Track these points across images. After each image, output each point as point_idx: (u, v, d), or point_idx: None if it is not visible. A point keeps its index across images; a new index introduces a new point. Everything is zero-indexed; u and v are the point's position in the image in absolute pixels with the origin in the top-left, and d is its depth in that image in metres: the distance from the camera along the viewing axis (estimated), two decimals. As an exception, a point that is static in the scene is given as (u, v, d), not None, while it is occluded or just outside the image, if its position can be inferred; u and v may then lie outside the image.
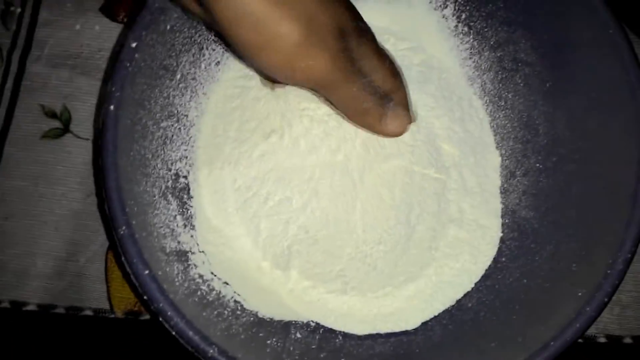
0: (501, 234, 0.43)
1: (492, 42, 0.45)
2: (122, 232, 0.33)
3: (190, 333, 0.32)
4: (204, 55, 0.43)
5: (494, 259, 0.43)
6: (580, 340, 0.45)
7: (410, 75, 0.45)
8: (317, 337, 0.40)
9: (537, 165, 0.43)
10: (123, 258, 0.33)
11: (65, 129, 0.48)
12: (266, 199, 0.41)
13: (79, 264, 0.46)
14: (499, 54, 0.45)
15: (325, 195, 0.41)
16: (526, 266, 0.40)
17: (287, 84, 0.41)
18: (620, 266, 0.33)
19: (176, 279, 0.36)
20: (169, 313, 0.32)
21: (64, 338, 0.45)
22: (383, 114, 0.38)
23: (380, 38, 0.46)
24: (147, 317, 0.45)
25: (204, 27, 0.42)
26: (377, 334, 0.41)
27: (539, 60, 0.42)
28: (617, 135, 0.37)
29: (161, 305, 0.33)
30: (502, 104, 0.46)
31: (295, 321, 0.40)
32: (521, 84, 0.44)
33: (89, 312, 0.45)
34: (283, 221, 0.41)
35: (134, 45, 0.36)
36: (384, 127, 0.39)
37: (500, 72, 0.45)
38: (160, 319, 0.33)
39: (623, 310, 0.46)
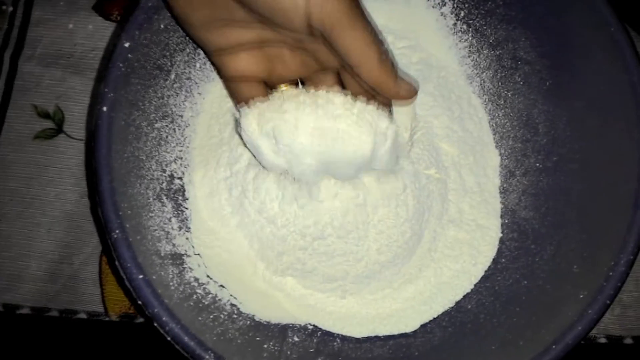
0: (501, 235, 0.43)
1: (491, 40, 0.44)
2: (115, 236, 0.33)
3: (186, 339, 0.32)
4: (198, 54, 0.42)
5: (494, 259, 0.42)
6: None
7: (408, 75, 0.45)
8: (314, 340, 0.39)
9: (537, 164, 0.42)
10: (117, 262, 0.33)
11: (59, 130, 0.48)
12: (260, 208, 0.40)
13: (73, 267, 0.45)
14: (498, 52, 0.44)
15: (332, 236, 0.39)
16: (526, 267, 0.40)
17: (296, 34, 0.35)
18: (623, 268, 0.33)
19: (171, 283, 0.35)
20: (164, 318, 0.32)
21: (58, 341, 0.44)
22: (396, 71, 0.35)
23: (378, 36, 0.45)
24: (142, 320, 0.45)
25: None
26: (376, 337, 0.40)
27: (538, 59, 0.42)
28: (619, 135, 0.36)
29: (156, 310, 0.32)
30: (502, 102, 0.45)
31: (292, 324, 0.40)
32: (520, 83, 0.43)
33: (83, 315, 0.45)
34: (280, 227, 0.40)
35: (127, 45, 0.35)
36: (399, 86, 0.35)
37: (499, 71, 0.45)
38: (155, 325, 0.32)
39: (624, 310, 0.46)
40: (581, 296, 0.34)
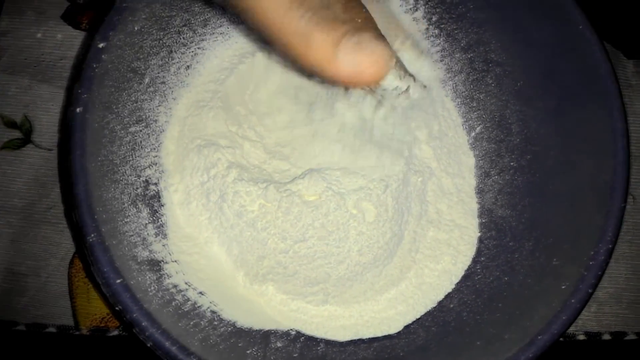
0: (479, 234, 0.43)
1: (462, 44, 0.45)
2: (91, 240, 0.31)
3: (168, 343, 0.31)
4: (173, 58, 0.41)
5: (474, 258, 0.42)
6: (560, 339, 0.45)
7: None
8: (298, 345, 0.39)
9: (512, 164, 0.43)
10: (93, 267, 0.32)
11: (27, 140, 0.46)
12: (240, 211, 0.40)
13: (40, 279, 0.43)
14: (470, 55, 0.45)
15: (313, 238, 0.39)
16: (506, 264, 0.40)
17: None
18: (602, 256, 0.33)
19: (149, 289, 0.34)
20: (144, 323, 0.31)
21: (26, 357, 0.42)
22: (337, 41, 0.25)
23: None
24: (114, 333, 0.43)
25: (173, 30, 0.41)
26: (360, 340, 0.40)
27: (509, 60, 0.43)
28: (591, 129, 0.37)
29: (135, 315, 0.31)
30: (474, 105, 0.46)
31: (275, 330, 0.39)
32: (492, 84, 0.44)
33: (52, 329, 0.43)
34: (260, 230, 0.40)
35: (101, 45, 0.35)
36: (338, 64, 0.26)
37: (471, 74, 0.46)
38: (135, 330, 0.31)
39: (600, 307, 0.46)
40: (563, 287, 0.34)
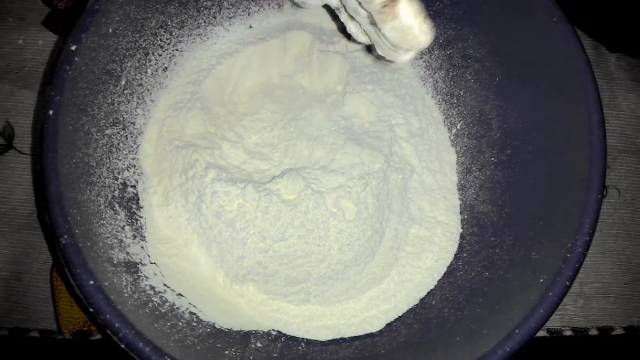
0: (461, 230, 0.43)
1: (441, 40, 0.45)
2: (64, 242, 0.31)
3: (141, 344, 0.30)
4: (149, 60, 0.41)
5: (455, 255, 0.42)
6: (547, 335, 0.45)
7: (363, 76, 0.45)
8: (278, 345, 0.38)
9: (492, 159, 0.43)
10: (66, 269, 0.31)
11: (9, 145, 0.46)
12: (219, 212, 0.40)
13: (22, 283, 0.43)
14: (448, 52, 0.45)
15: (293, 237, 0.39)
16: (487, 259, 0.39)
17: None
18: (580, 249, 0.33)
19: (125, 291, 0.34)
20: (116, 324, 0.30)
21: (8, 362, 0.42)
22: None
23: (332, 39, 0.46)
24: (97, 337, 0.43)
25: (148, 32, 0.41)
26: (341, 339, 0.39)
27: (487, 55, 0.42)
28: (567, 122, 0.37)
29: (108, 316, 0.31)
30: (455, 101, 0.46)
31: (255, 330, 0.39)
32: (472, 80, 0.44)
33: (35, 334, 0.42)
34: (239, 230, 0.39)
35: (73, 48, 0.35)
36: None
37: (450, 70, 0.45)
38: (108, 332, 0.31)
39: (587, 302, 0.46)
40: (541, 280, 0.33)
